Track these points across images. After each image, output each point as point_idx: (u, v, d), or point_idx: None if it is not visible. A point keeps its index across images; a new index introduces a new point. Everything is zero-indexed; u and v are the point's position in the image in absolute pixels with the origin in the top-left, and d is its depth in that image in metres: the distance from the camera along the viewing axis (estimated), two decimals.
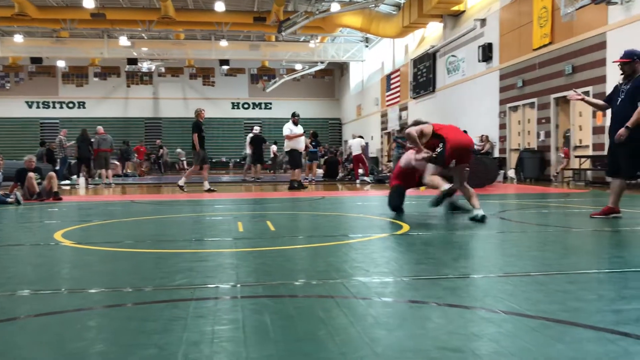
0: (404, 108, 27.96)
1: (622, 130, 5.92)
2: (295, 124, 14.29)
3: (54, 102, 39.08)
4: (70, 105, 39.17)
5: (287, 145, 14.20)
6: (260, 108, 40.96)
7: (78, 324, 2.42)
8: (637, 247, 4.53)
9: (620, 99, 6.18)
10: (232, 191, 13.48)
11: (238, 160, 39.26)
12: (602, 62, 13.71)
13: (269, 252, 4.31)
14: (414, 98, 26.35)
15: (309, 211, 7.87)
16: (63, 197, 10.84)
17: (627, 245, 4.61)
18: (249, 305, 2.67)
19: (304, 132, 14.80)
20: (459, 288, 2.99)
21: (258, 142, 19.45)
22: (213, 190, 12.82)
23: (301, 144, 14.38)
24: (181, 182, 13.16)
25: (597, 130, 14.13)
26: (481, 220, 5.90)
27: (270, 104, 40.69)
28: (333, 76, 42.24)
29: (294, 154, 14.12)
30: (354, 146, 19.34)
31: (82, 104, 39.17)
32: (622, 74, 6.26)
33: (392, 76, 29.39)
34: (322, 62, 35.87)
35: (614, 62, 6.36)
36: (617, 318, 2.38)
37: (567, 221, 6.37)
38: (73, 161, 19.64)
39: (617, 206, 6.32)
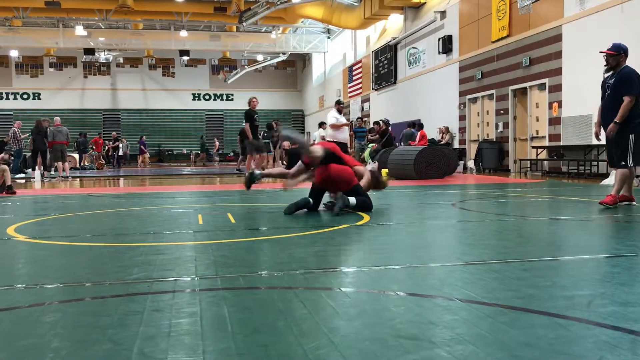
0: (366, 99, 28.09)
1: (611, 126, 6.12)
2: (340, 112, 13.38)
3: (7, 93, 37.90)
4: (25, 96, 38.05)
5: (330, 136, 13.04)
6: (222, 99, 40.59)
7: (30, 320, 2.35)
8: (591, 235, 4.66)
9: (607, 93, 6.36)
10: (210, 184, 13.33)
11: (199, 152, 38.87)
12: (558, 55, 14.02)
13: (229, 244, 4.28)
14: (375, 89, 26.49)
15: (270, 203, 7.84)
16: (17, 190, 10.55)
17: (582, 233, 4.74)
18: (207, 298, 2.64)
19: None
20: (417, 277, 3.02)
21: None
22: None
23: (345, 134, 13.32)
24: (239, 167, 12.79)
25: (553, 122, 14.47)
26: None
27: (232, 95, 40.35)
28: (295, 67, 42.12)
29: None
30: (318, 137, 19.06)
31: (37, 95, 38.12)
32: (605, 65, 6.42)
33: (354, 68, 29.48)
34: (283, 53, 35.73)
35: (601, 52, 6.51)
36: (569, 304, 2.45)
37: (524, 210, 6.50)
38: (28, 154, 19.14)
39: (630, 194, 6.46)
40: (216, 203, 7.93)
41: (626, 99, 6.07)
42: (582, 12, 13.15)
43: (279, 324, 2.21)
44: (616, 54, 6.28)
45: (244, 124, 14.90)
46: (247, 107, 14.98)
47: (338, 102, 13.54)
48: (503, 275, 3.03)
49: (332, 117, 13.20)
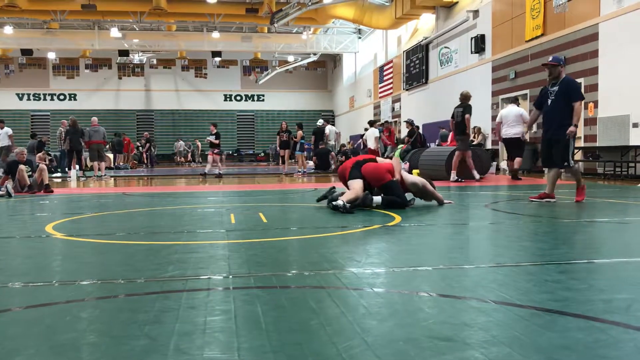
0: (396, 100, 27.95)
1: (572, 128, 6.86)
2: None
3: (44, 94, 38.81)
4: (61, 97, 38.91)
5: (518, 132, 12.60)
6: (253, 100, 40.86)
7: (69, 316, 2.41)
8: (627, 238, 4.56)
9: (551, 100, 7.06)
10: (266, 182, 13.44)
11: (230, 152, 39.18)
12: (594, 54, 13.74)
13: (261, 243, 4.31)
14: (406, 90, 26.34)
15: (301, 203, 7.86)
16: (54, 189, 10.79)
17: (618, 236, 4.64)
18: (240, 296, 2.67)
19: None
20: (451, 278, 3.00)
21: (319, 135, 19.09)
22: (461, 180, 12.10)
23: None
24: (453, 176, 12.27)
25: (588, 122, 14.19)
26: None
27: (263, 95, 40.60)
28: (326, 68, 42.15)
29: (521, 142, 12.77)
30: (369, 138, 18.02)
31: (73, 96, 38.93)
32: (549, 75, 7.13)
33: (385, 68, 29.36)
34: (314, 54, 35.78)
35: (543, 64, 7.33)
36: (606, 307, 2.40)
37: (558, 212, 6.39)
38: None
39: (552, 192, 7.21)
40: (248, 203, 7.99)
41: (577, 104, 6.84)
42: (619, 10, 12.86)
43: (311, 323, 2.22)
44: (557, 65, 7.01)
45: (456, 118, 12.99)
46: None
47: (517, 100, 13.42)
48: (538, 277, 2.99)
49: (525, 112, 12.89)
